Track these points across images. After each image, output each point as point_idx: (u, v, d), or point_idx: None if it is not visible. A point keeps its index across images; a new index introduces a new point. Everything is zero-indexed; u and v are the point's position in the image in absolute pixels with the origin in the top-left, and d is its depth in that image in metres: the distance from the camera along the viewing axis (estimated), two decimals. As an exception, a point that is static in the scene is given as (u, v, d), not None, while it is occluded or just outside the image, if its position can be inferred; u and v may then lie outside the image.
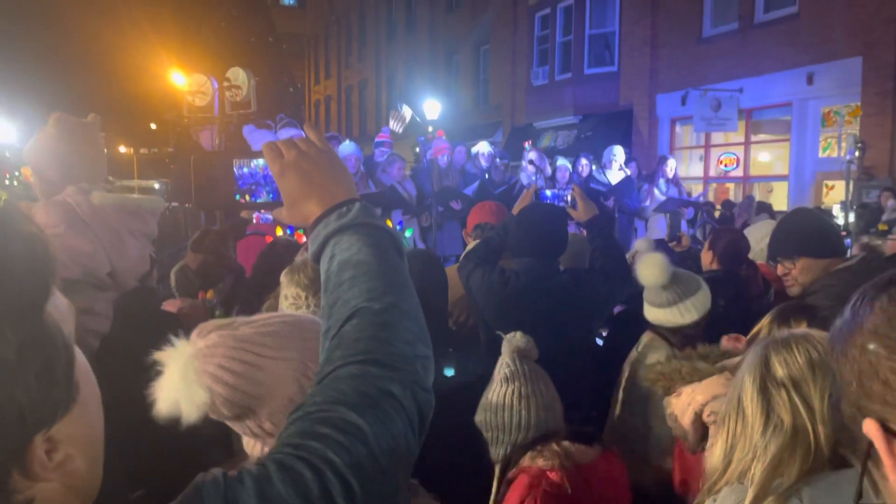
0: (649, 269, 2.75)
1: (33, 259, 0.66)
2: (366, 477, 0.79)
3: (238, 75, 5.74)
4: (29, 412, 0.63)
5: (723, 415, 1.32)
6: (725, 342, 2.22)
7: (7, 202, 0.72)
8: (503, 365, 2.04)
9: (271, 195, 1.24)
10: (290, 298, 2.23)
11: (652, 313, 2.78)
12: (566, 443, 1.91)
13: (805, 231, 2.88)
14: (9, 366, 0.61)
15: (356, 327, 0.92)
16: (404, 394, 0.87)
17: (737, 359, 2.05)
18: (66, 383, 0.68)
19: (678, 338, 2.73)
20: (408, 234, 6.98)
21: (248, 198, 1.28)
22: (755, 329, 2.12)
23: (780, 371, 1.25)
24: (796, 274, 2.82)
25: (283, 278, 2.30)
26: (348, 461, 0.78)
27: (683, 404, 1.92)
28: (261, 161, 1.23)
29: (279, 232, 4.52)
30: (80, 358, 0.75)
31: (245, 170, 1.25)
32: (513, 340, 2.08)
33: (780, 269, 2.96)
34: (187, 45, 20.92)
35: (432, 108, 15.95)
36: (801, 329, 1.33)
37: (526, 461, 1.91)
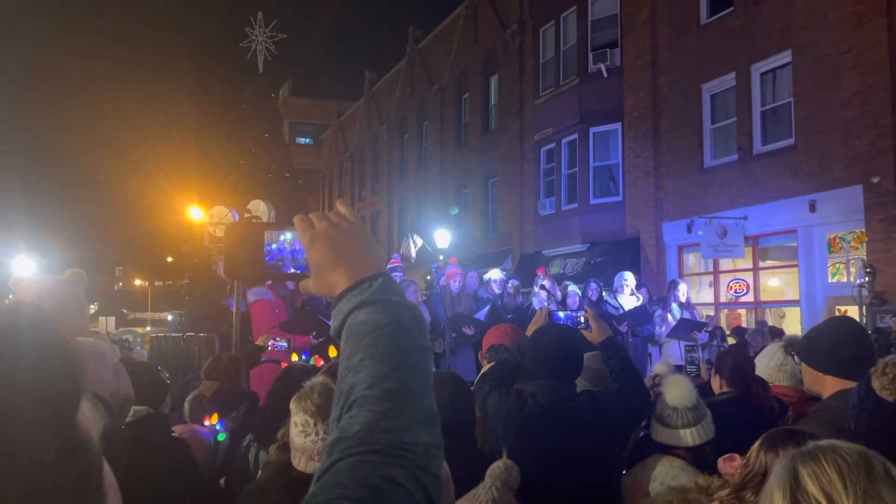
0: (679, 389, 2.84)
1: (67, 364, 0.66)
2: None
3: (259, 207, 5.94)
4: None
5: None
6: (721, 463, 2.23)
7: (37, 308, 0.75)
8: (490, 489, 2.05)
9: (297, 269, 1.26)
10: (298, 426, 2.17)
11: (669, 436, 2.79)
12: None
13: (822, 343, 2.85)
14: (47, 473, 0.60)
15: (354, 419, 0.91)
16: (408, 479, 0.85)
17: (726, 491, 2.06)
18: (97, 491, 0.67)
19: (692, 459, 2.72)
20: None
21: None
22: (746, 456, 2.12)
23: (810, 484, 1.21)
24: (809, 382, 2.80)
25: (292, 405, 2.25)
26: None
27: None
28: (289, 235, 1.25)
29: (294, 358, 4.52)
30: (106, 466, 0.74)
31: (273, 245, 1.28)
32: (507, 470, 2.11)
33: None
34: (206, 181, 21.77)
35: (443, 237, 16.30)
36: (827, 441, 1.30)
37: None
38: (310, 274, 1.12)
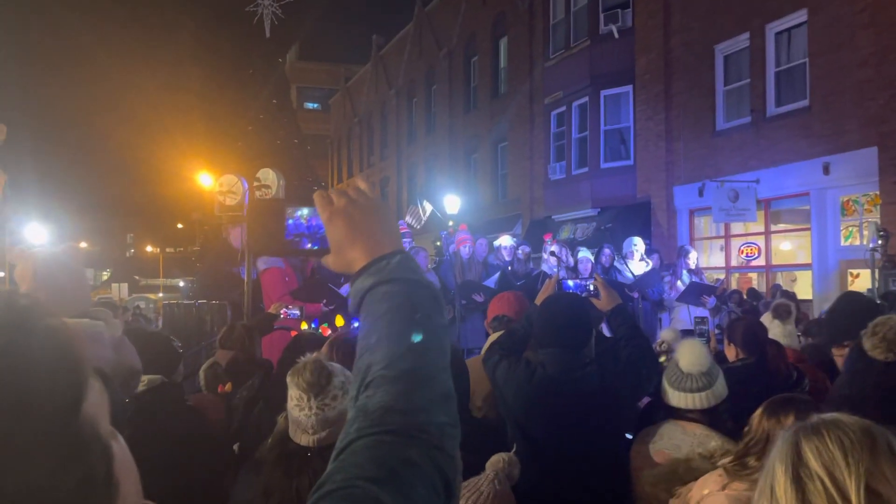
0: (693, 354, 2.82)
1: (62, 363, 0.62)
2: None
3: (268, 175, 5.95)
4: None
5: None
6: None
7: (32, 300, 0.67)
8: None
9: (315, 245, 1.25)
10: (293, 399, 2.21)
11: (682, 399, 2.79)
12: None
13: (849, 316, 2.84)
14: (42, 490, 0.58)
15: (371, 399, 0.91)
16: (424, 459, 0.85)
17: (729, 458, 2.08)
18: (106, 488, 0.65)
19: (707, 422, 2.73)
20: None
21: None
22: (749, 423, 2.15)
23: (812, 460, 1.21)
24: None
25: (288, 379, 2.27)
26: None
27: None
28: (305, 211, 1.25)
29: (304, 326, 4.55)
30: (118, 447, 0.72)
31: (290, 221, 1.27)
32: (509, 464, 2.16)
33: (837, 354, 2.94)
34: (215, 147, 21.71)
35: (452, 203, 16.27)
36: (831, 415, 1.30)
37: None
38: (327, 250, 1.12)
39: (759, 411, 2.13)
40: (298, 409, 2.16)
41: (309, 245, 1.27)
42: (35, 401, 0.59)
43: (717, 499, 2.03)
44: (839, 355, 2.93)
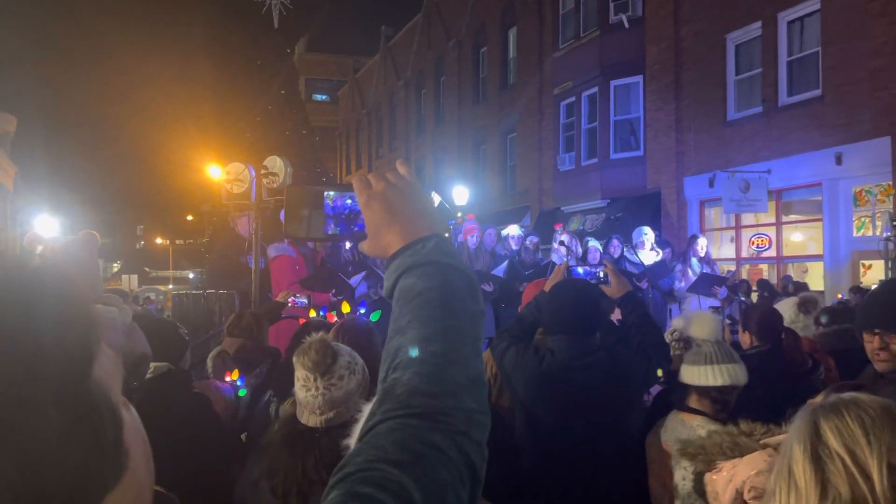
0: (702, 322, 2.81)
1: (74, 323, 0.62)
2: None
3: (275, 163, 5.94)
4: (78, 495, 0.59)
5: (772, 486, 1.25)
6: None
7: (58, 268, 0.67)
8: None
9: (339, 226, 1.24)
10: (300, 380, 2.21)
11: (689, 372, 2.75)
12: None
13: (871, 304, 2.73)
14: (53, 449, 0.57)
15: (398, 381, 0.90)
16: (449, 444, 0.83)
17: (781, 436, 2.00)
18: (114, 454, 0.64)
19: (709, 404, 2.69)
20: None
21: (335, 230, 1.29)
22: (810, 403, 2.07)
23: (832, 439, 1.18)
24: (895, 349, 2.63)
25: (294, 360, 2.28)
26: None
27: (724, 480, 1.85)
28: (331, 193, 1.24)
29: (312, 314, 4.54)
30: (129, 417, 0.71)
31: None
32: None
33: (866, 339, 2.84)
34: (225, 139, 21.75)
35: (461, 194, 16.23)
36: (849, 394, 1.27)
37: None
38: (351, 234, 1.13)
39: (822, 394, 2.07)
40: (305, 389, 2.15)
41: (333, 226, 1.26)
42: (45, 359, 0.58)
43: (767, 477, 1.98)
44: (870, 342, 2.84)
